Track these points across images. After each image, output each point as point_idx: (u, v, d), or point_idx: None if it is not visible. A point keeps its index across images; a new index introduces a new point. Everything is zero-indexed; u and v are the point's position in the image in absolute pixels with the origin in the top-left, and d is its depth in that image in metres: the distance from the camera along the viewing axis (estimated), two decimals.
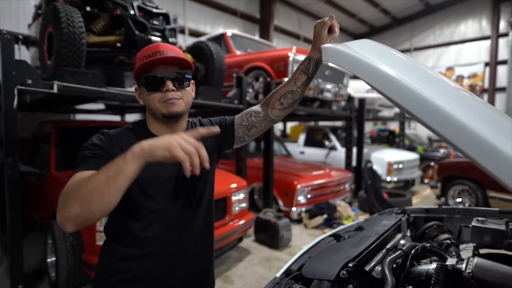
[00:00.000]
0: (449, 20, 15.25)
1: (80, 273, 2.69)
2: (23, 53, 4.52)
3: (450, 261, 1.21)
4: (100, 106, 5.63)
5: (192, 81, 1.11)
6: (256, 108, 1.21)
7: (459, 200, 5.69)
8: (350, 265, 1.14)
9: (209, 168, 0.85)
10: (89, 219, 0.80)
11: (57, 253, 2.67)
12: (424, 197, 7.10)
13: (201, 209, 1.13)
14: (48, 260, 2.93)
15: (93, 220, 0.82)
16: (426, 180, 8.47)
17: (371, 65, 0.85)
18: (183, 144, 0.77)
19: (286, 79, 1.21)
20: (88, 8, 3.24)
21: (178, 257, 1.07)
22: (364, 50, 0.95)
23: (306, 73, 1.12)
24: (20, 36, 3.32)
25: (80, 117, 6.88)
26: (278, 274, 1.28)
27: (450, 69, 15.23)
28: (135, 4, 3.26)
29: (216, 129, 0.89)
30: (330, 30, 1.07)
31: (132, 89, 5.23)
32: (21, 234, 2.54)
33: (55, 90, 2.61)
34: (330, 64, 4.94)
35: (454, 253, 1.47)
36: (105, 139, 1.00)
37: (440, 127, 0.76)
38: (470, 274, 1.10)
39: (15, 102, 2.43)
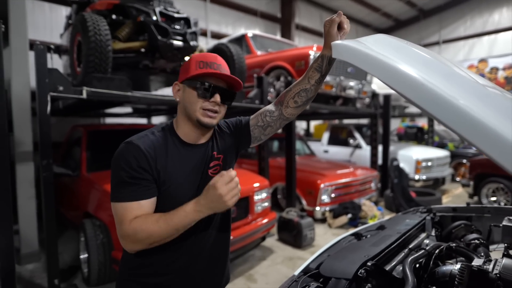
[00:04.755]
0: (481, 9, 14.43)
1: (110, 269, 2.83)
2: (56, 62, 4.80)
3: (477, 262, 1.16)
4: (128, 109, 5.85)
5: None
6: (270, 107, 1.22)
7: (493, 199, 5.40)
8: (369, 264, 1.12)
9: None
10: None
11: (88, 250, 2.82)
12: (455, 196, 6.78)
13: None
14: (81, 256, 3.09)
15: None
16: (457, 178, 8.08)
17: (383, 62, 0.82)
18: (230, 193, 0.94)
19: None
20: (113, 16, 3.39)
21: (197, 252, 1.12)
22: (378, 45, 0.93)
23: (320, 71, 1.12)
24: (52, 46, 3.54)
25: (109, 120, 7.19)
26: (297, 272, 1.28)
27: (483, 61, 14.42)
28: (157, 10, 3.37)
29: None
30: (340, 27, 1.07)
31: (157, 92, 5.42)
32: (56, 232, 2.70)
33: (84, 95, 2.75)
34: None
35: (482, 254, 1.41)
36: (139, 155, 1.00)
37: (464, 130, 0.69)
38: (498, 275, 1.05)
39: (49, 108, 2.59)
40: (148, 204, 1.01)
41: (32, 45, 2.61)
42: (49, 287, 2.62)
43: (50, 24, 6.83)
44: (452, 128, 0.72)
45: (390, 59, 0.86)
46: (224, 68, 1.09)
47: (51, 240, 2.64)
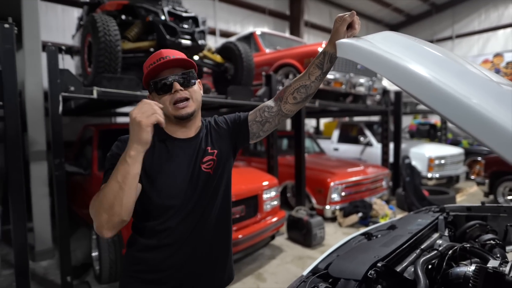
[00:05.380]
0: (496, 2, 14.00)
1: (121, 267, 2.86)
2: (68, 62, 4.88)
3: (492, 263, 1.12)
4: None
5: (198, 80, 1.17)
6: (269, 103, 1.21)
7: (510, 197, 5.25)
8: (379, 265, 1.10)
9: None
10: (118, 221, 0.94)
11: (100, 247, 2.86)
12: (470, 195, 6.63)
13: (216, 203, 1.17)
14: (93, 254, 3.14)
15: (122, 220, 0.94)
16: (472, 176, 7.90)
17: (390, 60, 0.79)
18: (143, 114, 0.92)
19: None
20: (123, 17, 3.41)
21: (194, 249, 1.12)
22: (385, 43, 0.90)
23: (321, 67, 1.10)
24: (63, 47, 3.57)
25: (120, 119, 7.28)
26: (305, 272, 1.27)
27: (498, 55, 13.98)
28: (166, 9, 3.38)
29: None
30: (350, 26, 1.05)
31: None
32: (68, 229, 2.75)
33: (94, 95, 2.79)
34: None
35: (498, 255, 1.36)
36: (123, 146, 1.05)
37: (477, 131, 0.65)
38: None
39: (60, 108, 2.63)
40: None
41: (45, 46, 2.65)
42: (62, 284, 2.67)
43: (63, 26, 6.94)
44: (464, 129, 0.69)
45: (398, 57, 0.83)
46: (173, 55, 1.09)
47: (64, 237, 2.69)
